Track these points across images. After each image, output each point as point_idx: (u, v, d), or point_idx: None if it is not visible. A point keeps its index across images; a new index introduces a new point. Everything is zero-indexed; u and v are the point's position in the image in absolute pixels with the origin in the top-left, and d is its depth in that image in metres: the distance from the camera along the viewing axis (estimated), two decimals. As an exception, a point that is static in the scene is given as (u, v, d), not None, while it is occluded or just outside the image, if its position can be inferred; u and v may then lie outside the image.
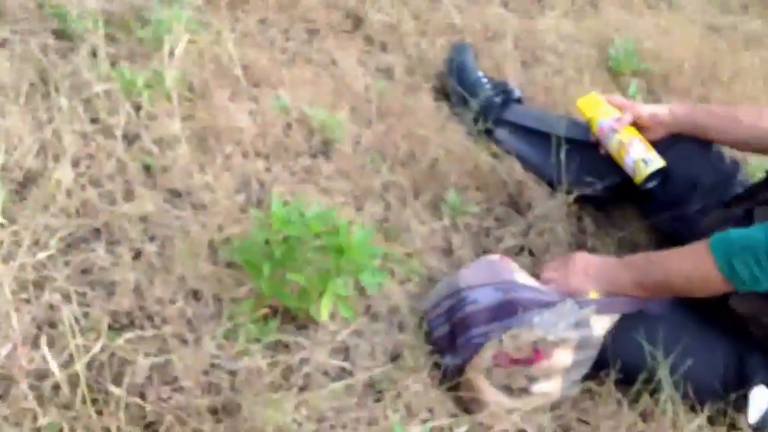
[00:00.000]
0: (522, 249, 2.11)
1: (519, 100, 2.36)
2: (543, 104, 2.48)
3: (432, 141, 2.21)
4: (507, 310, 1.73)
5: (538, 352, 1.68)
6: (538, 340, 1.67)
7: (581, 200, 2.20)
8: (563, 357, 1.72)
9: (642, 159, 2.03)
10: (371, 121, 2.27)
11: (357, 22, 2.57)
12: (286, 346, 1.72)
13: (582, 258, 1.84)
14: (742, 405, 1.76)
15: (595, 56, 2.66)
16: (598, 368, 1.81)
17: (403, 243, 2.04)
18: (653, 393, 1.78)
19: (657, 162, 2.02)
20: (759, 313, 1.72)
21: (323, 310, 1.65)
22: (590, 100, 2.18)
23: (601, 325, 1.74)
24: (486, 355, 1.72)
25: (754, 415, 1.75)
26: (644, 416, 1.75)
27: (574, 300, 1.73)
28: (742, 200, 1.86)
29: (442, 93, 2.45)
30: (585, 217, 2.22)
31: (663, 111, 2.08)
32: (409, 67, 2.49)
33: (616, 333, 1.77)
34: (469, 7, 2.70)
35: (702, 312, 1.80)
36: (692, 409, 1.79)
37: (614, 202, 2.21)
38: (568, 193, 2.14)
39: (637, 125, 2.10)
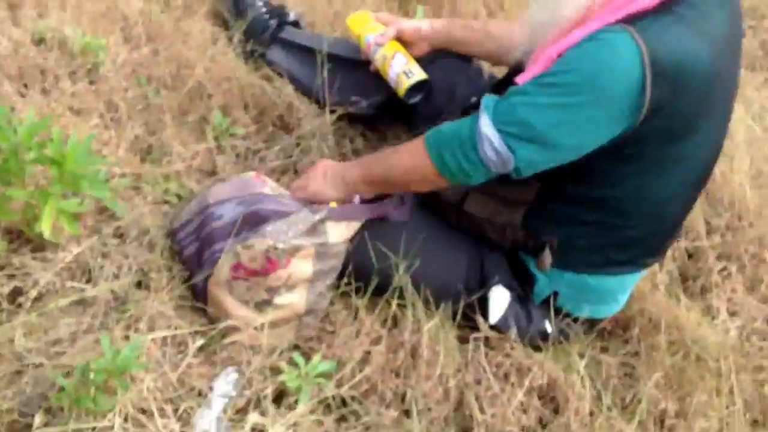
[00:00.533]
0: (288, 168, 2.11)
1: (296, 24, 2.35)
2: (326, 28, 2.47)
3: (200, 64, 2.19)
4: (249, 223, 1.73)
5: (271, 261, 1.69)
6: (269, 248, 1.68)
7: (350, 118, 2.22)
8: (303, 267, 1.73)
9: (404, 72, 2.05)
10: (140, 45, 2.23)
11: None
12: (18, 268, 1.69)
13: (322, 164, 1.86)
14: (484, 306, 1.81)
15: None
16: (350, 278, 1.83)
17: (164, 165, 2.02)
18: (400, 298, 1.81)
19: (419, 75, 2.04)
20: (493, 214, 1.76)
21: (44, 226, 1.61)
22: (359, 17, 2.18)
23: (337, 232, 1.76)
24: (224, 269, 1.72)
25: (494, 314, 1.80)
26: (385, 323, 1.77)
27: (309, 208, 1.74)
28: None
29: (220, 18, 2.41)
30: (353, 134, 2.23)
31: (425, 25, 2.10)
32: (188, -9, 2.45)
33: (358, 242, 1.79)
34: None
35: (443, 217, 1.84)
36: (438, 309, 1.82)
37: (382, 119, 2.23)
38: (334, 111, 2.15)
39: (403, 41, 2.11)
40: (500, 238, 1.79)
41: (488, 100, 1.59)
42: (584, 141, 1.55)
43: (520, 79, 1.59)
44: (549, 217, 1.73)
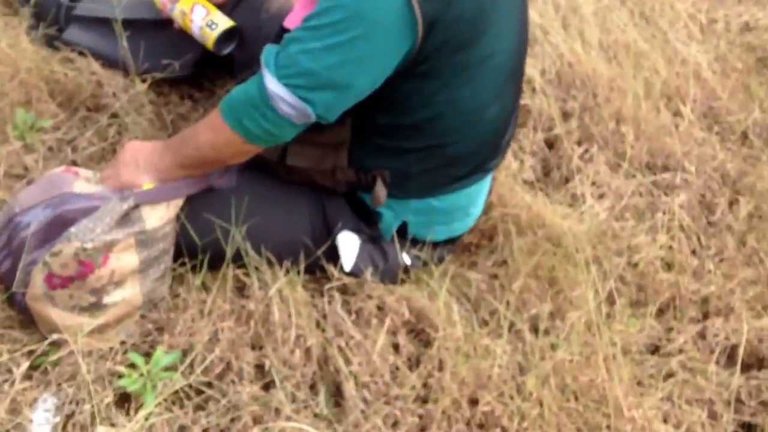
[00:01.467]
0: (106, 153, 1.95)
1: (89, -6, 2.15)
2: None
3: (-10, 60, 1.99)
4: (57, 227, 1.58)
5: (84, 263, 1.54)
6: (77, 251, 1.53)
7: (171, 83, 2.05)
8: (126, 259, 1.58)
9: (207, 24, 1.87)
10: None
11: None
12: None
13: (131, 148, 1.69)
14: (335, 255, 1.69)
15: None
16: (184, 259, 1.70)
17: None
18: (242, 268, 1.68)
19: (223, 24, 1.87)
20: (318, 162, 1.64)
21: None
22: None
23: (157, 215, 1.60)
24: (38, 282, 1.57)
25: (347, 261, 1.69)
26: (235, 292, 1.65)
27: (118, 196, 1.59)
28: None
29: (8, 5, 2.20)
30: (176, 100, 2.07)
31: None
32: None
33: (186, 217, 1.65)
34: None
35: (272, 175, 1.70)
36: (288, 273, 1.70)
37: (204, 75, 2.06)
38: (144, 81, 1.98)
39: None
40: (334, 183, 1.67)
41: (267, 53, 1.47)
42: (373, 74, 1.45)
43: (289, 23, 1.49)
44: (373, 151, 1.62)
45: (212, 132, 1.56)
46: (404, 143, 1.61)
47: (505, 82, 1.62)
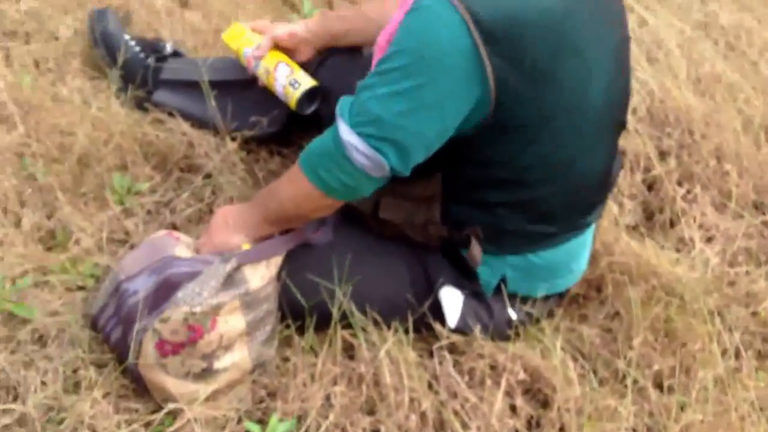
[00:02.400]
0: (204, 214, 1.95)
1: (176, 54, 2.16)
2: (210, 50, 2.29)
3: (85, 126, 2.01)
4: (165, 293, 1.57)
5: (194, 328, 1.53)
6: (186, 316, 1.52)
7: (259, 141, 2.05)
8: (233, 322, 1.57)
9: (289, 83, 1.87)
10: (15, 123, 2.04)
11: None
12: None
13: (221, 212, 1.69)
14: (439, 312, 1.65)
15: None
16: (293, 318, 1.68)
17: (70, 247, 1.85)
18: (348, 327, 1.65)
19: (306, 83, 1.87)
20: (410, 216, 1.61)
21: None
22: (234, 31, 1.99)
23: (259, 275, 1.59)
24: (149, 350, 1.56)
25: (451, 317, 1.65)
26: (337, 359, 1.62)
27: (220, 258, 1.58)
28: None
29: (97, 67, 2.22)
30: (266, 156, 2.06)
31: (299, 28, 1.92)
32: (60, 49, 2.25)
33: (287, 276, 1.64)
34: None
35: (368, 228, 1.68)
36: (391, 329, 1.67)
37: (291, 133, 2.05)
38: (234, 139, 1.98)
39: (283, 48, 1.93)
40: (427, 239, 1.64)
41: (343, 103, 1.46)
42: (442, 123, 1.42)
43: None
44: (465, 206, 1.59)
45: (292, 185, 1.55)
46: (495, 198, 1.57)
47: (597, 134, 1.57)
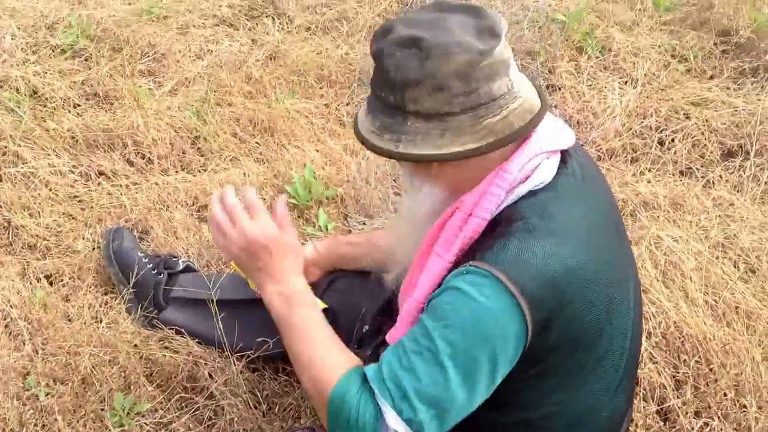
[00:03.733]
0: (206, 436, 1.90)
1: (188, 269, 2.18)
2: (225, 265, 2.31)
3: (88, 347, 2.00)
4: None
5: None
6: None
7: (265, 360, 2.03)
8: None
9: None
10: (24, 342, 2.05)
11: (11, 233, 2.36)
12: None
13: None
14: None
15: (273, 196, 2.52)
16: None
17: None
18: None
19: None
20: None
21: None
22: None
23: None
24: None
25: None
26: None
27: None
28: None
29: (111, 285, 2.24)
30: (269, 377, 2.03)
31: (308, 251, 1.94)
32: (74, 265, 2.29)
33: None
34: (129, 184, 2.54)
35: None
36: None
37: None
38: (240, 360, 1.96)
39: None
40: None
41: (380, 385, 1.35)
42: (489, 387, 1.36)
43: (390, 337, 1.46)
44: None
45: (313, 394, 1.45)
46: None
47: (621, 379, 1.53)
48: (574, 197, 1.41)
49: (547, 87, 3.15)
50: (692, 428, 1.88)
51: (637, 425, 1.92)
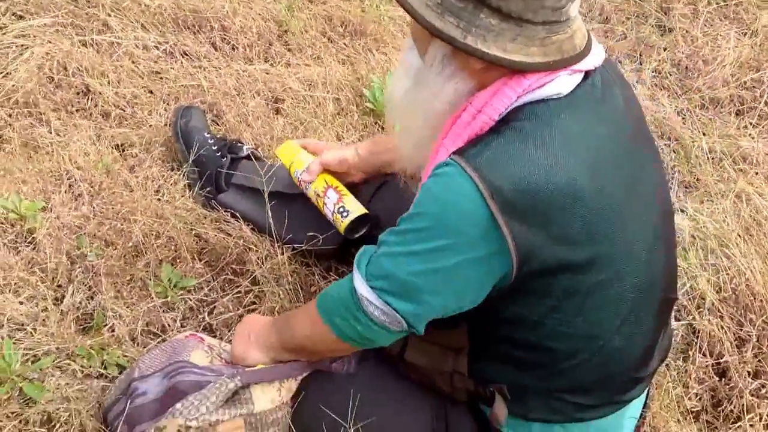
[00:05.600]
0: (241, 317, 1.89)
1: (251, 156, 2.15)
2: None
3: (144, 216, 2.00)
4: (170, 400, 1.51)
5: (188, 442, 1.45)
6: (181, 428, 1.44)
7: (317, 255, 2.00)
8: (232, 441, 1.48)
9: (338, 211, 1.83)
10: (83, 203, 2.06)
11: (89, 98, 2.37)
12: None
13: (248, 321, 1.65)
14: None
15: (350, 98, 2.46)
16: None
17: (103, 332, 1.82)
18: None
19: (354, 211, 1.83)
20: (437, 363, 1.51)
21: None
22: (285, 149, 1.99)
23: (267, 397, 1.52)
24: (142, 457, 1.49)
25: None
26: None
27: (226, 374, 1.51)
28: None
29: (175, 161, 2.24)
30: (320, 271, 2.00)
31: (350, 153, 1.89)
32: (144, 137, 2.29)
33: (301, 402, 1.55)
34: (210, 67, 2.51)
35: (393, 368, 1.57)
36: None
37: (345, 252, 1.98)
38: (287, 251, 1.93)
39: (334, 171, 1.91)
40: (451, 389, 1.53)
41: (362, 254, 1.41)
42: (459, 289, 1.34)
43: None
44: (492, 362, 1.48)
45: (308, 323, 1.49)
46: (521, 358, 1.46)
47: (635, 311, 1.43)
48: (589, 115, 1.34)
49: (659, 27, 3.00)
50: (746, 388, 1.77)
51: (690, 377, 1.83)
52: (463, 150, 1.30)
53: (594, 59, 1.37)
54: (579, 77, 1.35)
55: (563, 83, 1.32)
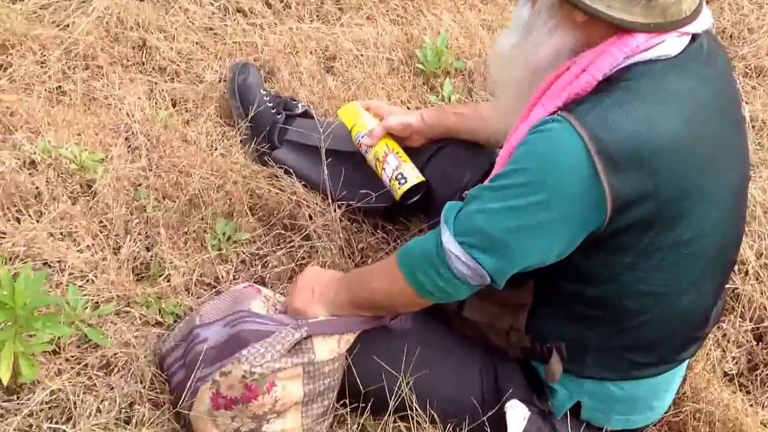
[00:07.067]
0: (295, 273, 1.95)
1: (305, 114, 2.20)
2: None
3: (201, 170, 2.06)
4: (232, 348, 1.58)
5: (249, 387, 1.53)
6: (245, 374, 1.51)
7: (365, 212, 2.05)
8: (292, 389, 1.56)
9: (396, 177, 1.88)
10: (141, 155, 2.13)
11: (145, 52, 2.42)
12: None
13: (310, 274, 1.68)
14: (500, 422, 1.58)
15: (402, 58, 2.49)
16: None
17: (160, 282, 1.89)
18: (404, 419, 1.60)
19: (412, 179, 1.87)
20: (494, 319, 1.56)
21: (2, 371, 1.50)
22: (348, 110, 2.02)
23: (327, 348, 1.58)
24: (204, 399, 1.57)
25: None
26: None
27: (291, 324, 1.57)
28: None
29: (230, 117, 2.29)
30: (369, 229, 2.05)
31: (415, 119, 1.93)
32: (199, 92, 2.34)
33: (356, 356, 1.61)
34: (264, 25, 2.55)
35: (447, 324, 1.63)
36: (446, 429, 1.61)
37: (399, 210, 2.03)
38: (340, 208, 1.99)
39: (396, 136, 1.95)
40: (507, 345, 1.58)
41: (449, 209, 1.44)
42: (549, 245, 1.37)
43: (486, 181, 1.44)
44: (553, 319, 1.52)
45: (387, 279, 1.53)
46: (586, 314, 1.50)
47: (705, 271, 1.48)
48: (694, 76, 1.37)
49: (705, -6, 2.98)
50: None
51: (729, 340, 1.87)
52: (571, 107, 1.33)
53: (702, 23, 1.39)
54: (687, 39, 1.38)
55: (672, 45, 1.35)
